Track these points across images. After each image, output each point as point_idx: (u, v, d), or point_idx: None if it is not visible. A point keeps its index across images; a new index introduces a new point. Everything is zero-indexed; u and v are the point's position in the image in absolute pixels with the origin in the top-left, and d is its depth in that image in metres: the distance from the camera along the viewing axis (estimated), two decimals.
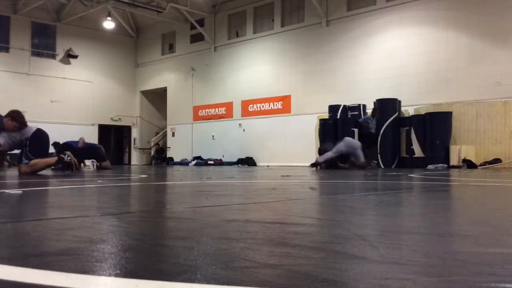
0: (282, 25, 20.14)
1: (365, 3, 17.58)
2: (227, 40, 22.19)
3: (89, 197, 3.29)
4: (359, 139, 13.49)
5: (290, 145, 19.04)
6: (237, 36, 21.86)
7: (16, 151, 7.40)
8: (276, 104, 20.00)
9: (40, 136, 7.36)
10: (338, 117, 15.52)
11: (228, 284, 0.86)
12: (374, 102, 15.05)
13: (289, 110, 19.52)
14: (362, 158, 12.09)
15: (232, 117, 21.65)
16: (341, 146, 12.25)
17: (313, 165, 12.53)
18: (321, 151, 12.77)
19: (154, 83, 25.49)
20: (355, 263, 1.06)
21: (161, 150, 25.42)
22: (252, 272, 0.97)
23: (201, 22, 22.82)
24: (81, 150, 11.33)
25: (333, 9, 18.37)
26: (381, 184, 4.96)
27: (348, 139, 12.69)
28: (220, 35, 22.44)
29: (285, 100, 19.64)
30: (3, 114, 7.19)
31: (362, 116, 15.43)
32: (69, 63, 23.32)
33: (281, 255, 1.16)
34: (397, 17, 16.58)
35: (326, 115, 16.15)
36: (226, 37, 22.26)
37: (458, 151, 13.52)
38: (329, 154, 12.13)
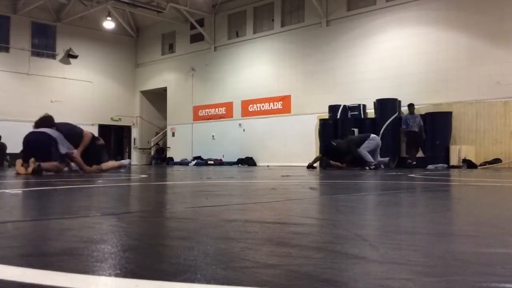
0: (282, 25, 20.13)
1: (365, 3, 17.57)
2: (227, 40, 22.18)
3: (89, 197, 3.29)
4: (408, 144, 12.96)
5: (290, 145, 19.03)
6: (237, 36, 21.85)
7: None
8: (276, 104, 19.99)
9: (26, 142, 7.63)
10: (338, 117, 15.54)
11: (228, 284, 0.86)
12: (374, 103, 15.05)
13: (289, 110, 19.51)
14: (377, 159, 11.74)
15: (232, 117, 21.64)
16: (372, 144, 11.67)
17: (309, 166, 12.51)
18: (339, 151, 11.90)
19: (154, 83, 25.48)
20: (355, 263, 1.06)
21: (161, 150, 25.41)
22: (252, 272, 0.97)
23: (201, 22, 22.80)
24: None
25: (333, 9, 18.37)
26: (381, 184, 4.96)
27: (377, 138, 12.05)
28: (220, 35, 22.44)
29: (285, 100, 19.63)
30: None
31: (363, 116, 15.41)
32: (69, 63, 23.30)
33: (281, 255, 1.16)
34: (397, 17, 16.57)
35: (326, 115, 16.16)
36: (226, 37, 22.25)
37: (458, 151, 13.52)
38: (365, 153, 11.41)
